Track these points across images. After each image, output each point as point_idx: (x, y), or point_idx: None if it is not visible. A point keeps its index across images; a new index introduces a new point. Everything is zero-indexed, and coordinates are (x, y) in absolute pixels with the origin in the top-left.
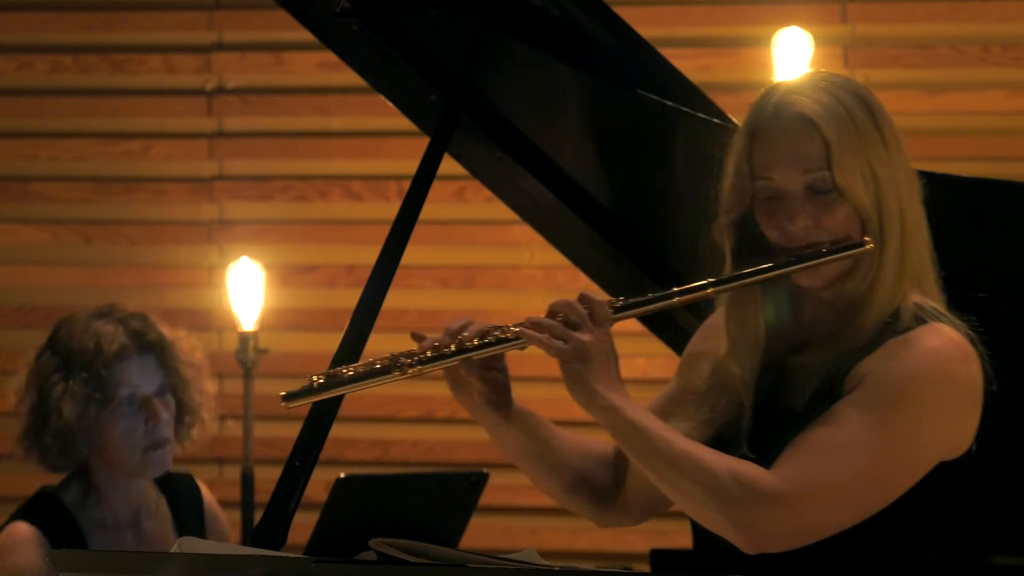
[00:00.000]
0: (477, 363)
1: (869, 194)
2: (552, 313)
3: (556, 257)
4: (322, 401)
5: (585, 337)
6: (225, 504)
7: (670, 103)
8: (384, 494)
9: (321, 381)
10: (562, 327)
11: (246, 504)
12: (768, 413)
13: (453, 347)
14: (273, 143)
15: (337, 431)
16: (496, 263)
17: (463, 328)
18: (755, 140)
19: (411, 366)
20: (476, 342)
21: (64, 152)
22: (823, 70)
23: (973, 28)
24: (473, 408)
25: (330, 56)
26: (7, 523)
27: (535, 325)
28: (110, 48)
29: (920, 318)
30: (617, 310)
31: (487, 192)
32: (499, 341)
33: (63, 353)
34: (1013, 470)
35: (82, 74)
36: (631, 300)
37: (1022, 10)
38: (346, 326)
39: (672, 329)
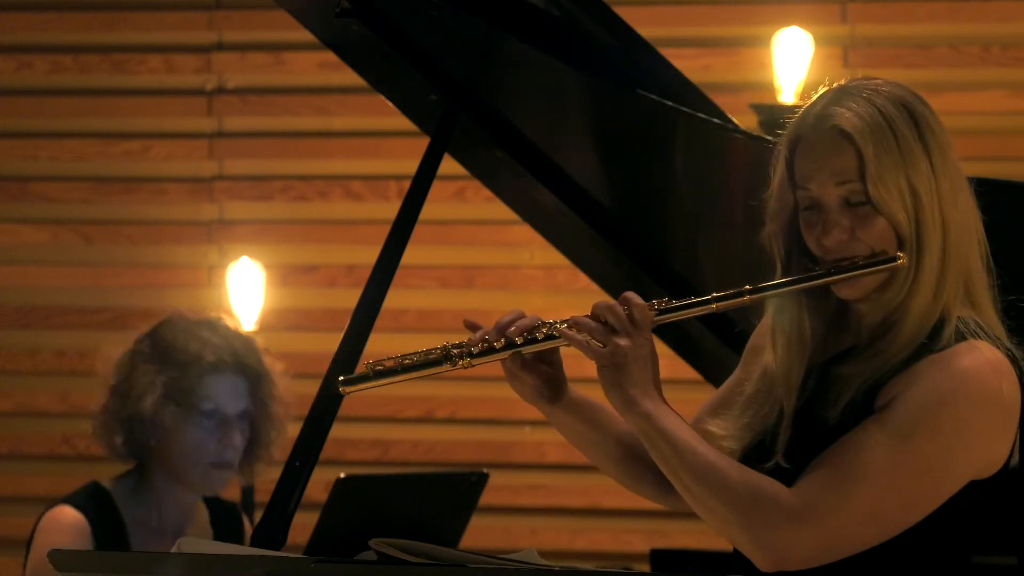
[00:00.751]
0: (528, 357)
1: (905, 208)
2: (594, 315)
3: (556, 257)
4: (321, 401)
5: (622, 342)
6: None
7: (670, 103)
8: (384, 494)
9: (378, 368)
10: (602, 330)
11: (246, 504)
12: (804, 422)
13: (503, 342)
14: (273, 143)
15: (337, 431)
16: (496, 263)
17: (512, 322)
18: (796, 150)
19: (461, 358)
20: (522, 340)
21: (64, 152)
22: (874, 77)
23: (973, 28)
24: (526, 398)
25: (330, 56)
26: (51, 507)
27: (576, 326)
28: (110, 48)
29: (961, 334)
30: (659, 313)
31: (487, 192)
32: (545, 338)
33: (161, 347)
34: None
35: (82, 74)
36: (672, 304)
37: (1022, 10)
38: (346, 326)
39: (673, 329)
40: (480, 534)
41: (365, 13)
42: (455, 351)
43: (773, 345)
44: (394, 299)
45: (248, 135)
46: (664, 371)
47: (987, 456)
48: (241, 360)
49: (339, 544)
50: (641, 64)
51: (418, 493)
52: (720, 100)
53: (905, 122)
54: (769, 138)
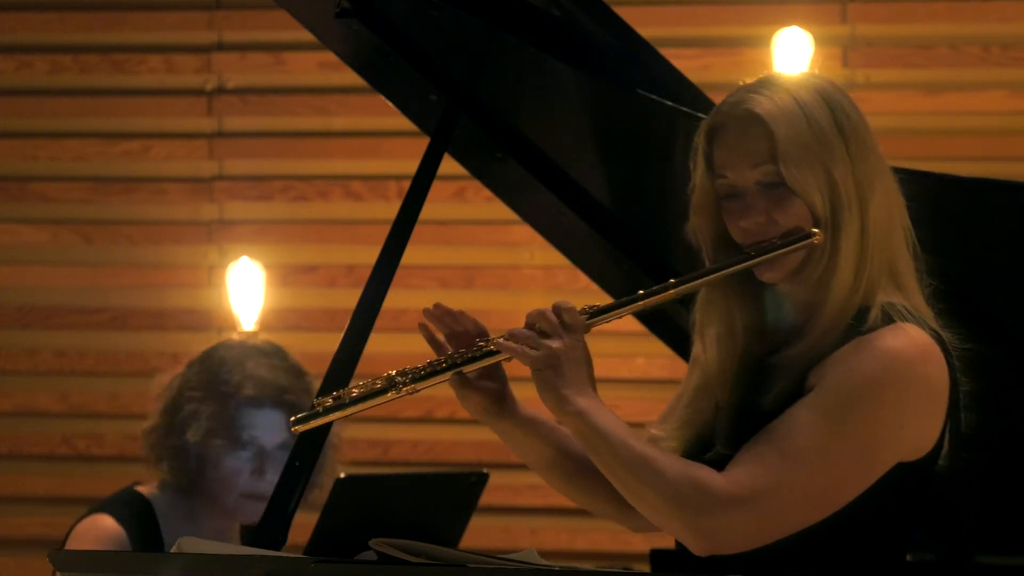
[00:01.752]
0: (472, 374)
1: (821, 190)
2: (528, 324)
3: (556, 257)
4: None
5: (555, 344)
6: None
7: (670, 103)
8: (384, 494)
9: (327, 404)
10: (535, 336)
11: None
12: (744, 412)
13: (445, 363)
14: (273, 143)
15: (337, 431)
16: (496, 263)
17: (458, 316)
18: (714, 140)
19: (405, 384)
20: (462, 359)
21: (64, 152)
22: (803, 71)
23: (973, 28)
24: (475, 415)
25: (330, 56)
26: (88, 513)
27: (512, 337)
28: (110, 48)
29: (889, 317)
30: (590, 316)
31: (487, 192)
32: (484, 355)
33: (208, 376)
34: (1014, 469)
35: (82, 74)
36: (602, 306)
37: (1022, 10)
38: (346, 326)
39: (671, 329)
40: (480, 534)
41: (365, 13)
42: (399, 378)
43: (703, 339)
44: (394, 299)
45: (248, 135)
46: (663, 371)
47: (914, 438)
48: (283, 394)
49: (339, 544)
50: (641, 64)
51: (418, 493)
52: (720, 100)
53: (819, 107)
54: None
